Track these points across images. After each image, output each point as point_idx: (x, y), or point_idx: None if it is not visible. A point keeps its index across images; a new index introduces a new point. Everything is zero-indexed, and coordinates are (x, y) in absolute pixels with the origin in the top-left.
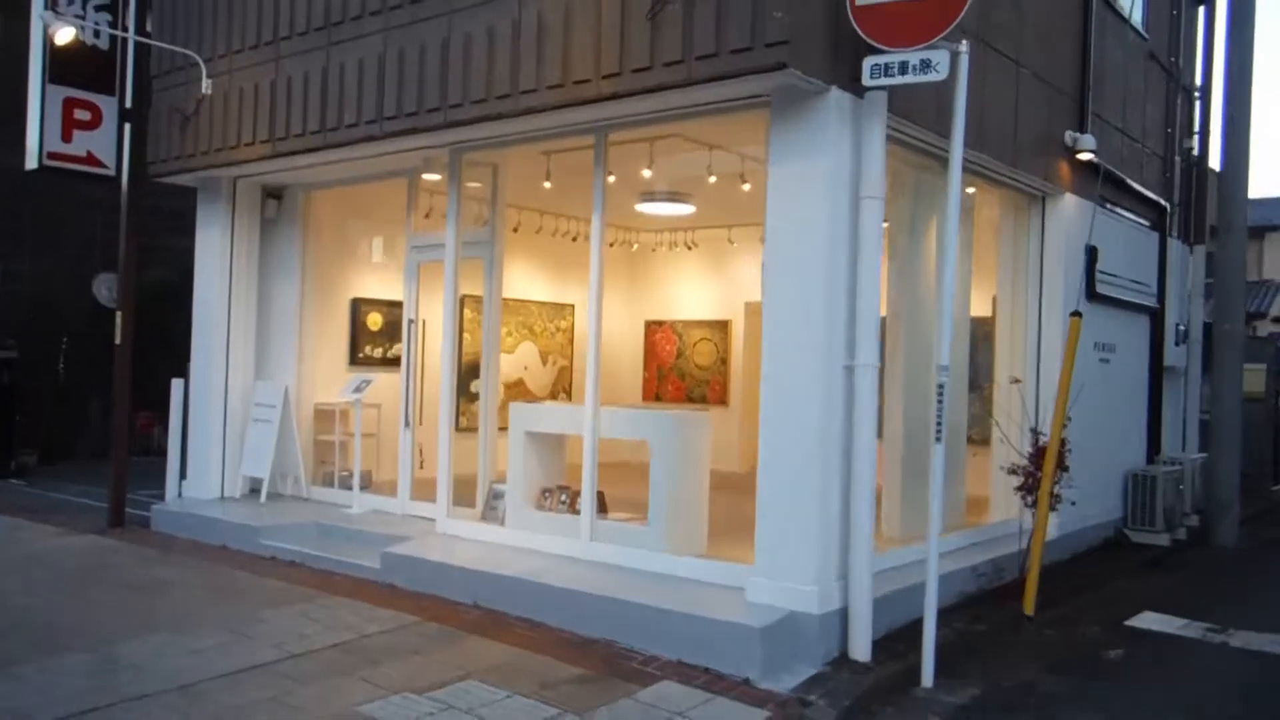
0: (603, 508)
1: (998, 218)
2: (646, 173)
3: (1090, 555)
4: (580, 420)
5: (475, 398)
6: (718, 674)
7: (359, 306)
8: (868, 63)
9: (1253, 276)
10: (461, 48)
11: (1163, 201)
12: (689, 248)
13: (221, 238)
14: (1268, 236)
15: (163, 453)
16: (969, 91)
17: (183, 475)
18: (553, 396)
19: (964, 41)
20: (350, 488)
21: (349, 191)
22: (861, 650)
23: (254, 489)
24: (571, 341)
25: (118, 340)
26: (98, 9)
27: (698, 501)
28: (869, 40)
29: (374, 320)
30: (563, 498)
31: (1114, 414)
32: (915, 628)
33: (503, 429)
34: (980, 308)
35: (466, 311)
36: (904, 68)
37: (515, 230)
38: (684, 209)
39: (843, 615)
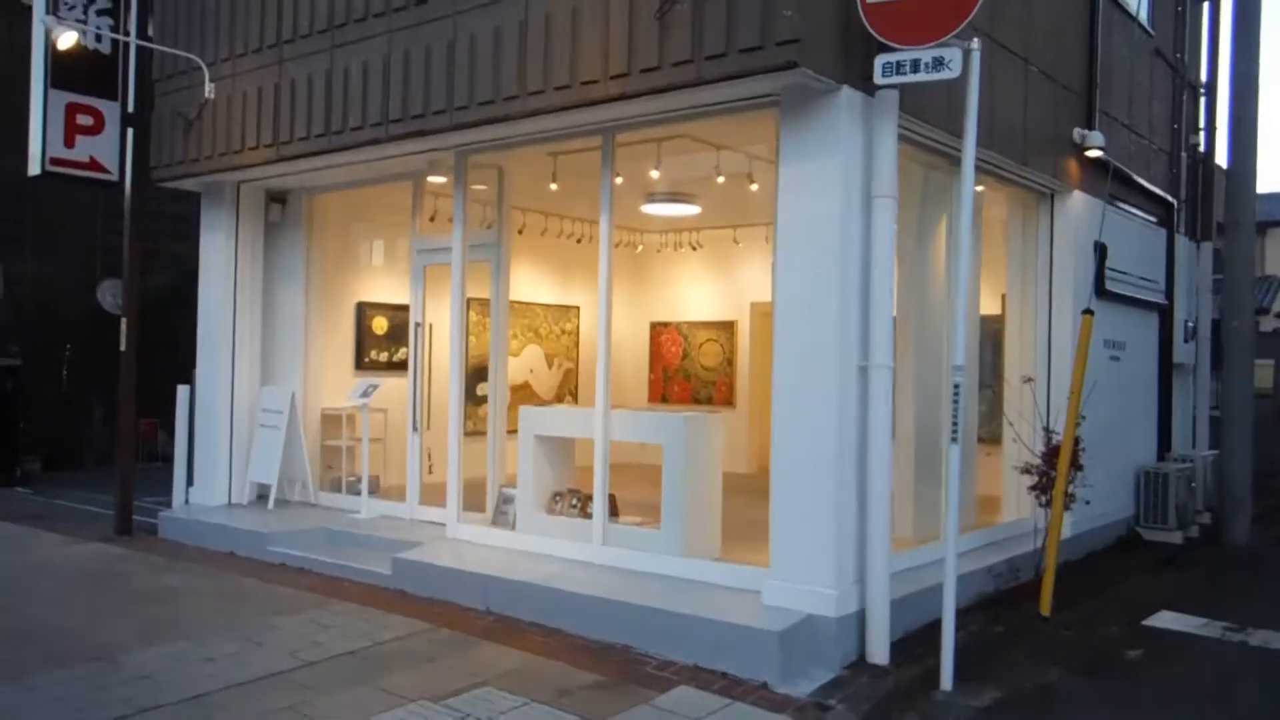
0: (614, 511)
1: (1005, 216)
2: (654, 173)
3: (1104, 554)
4: (591, 423)
5: (481, 401)
6: (735, 678)
7: (364, 310)
8: (879, 61)
9: (1255, 272)
10: (467, 49)
11: (1170, 198)
12: (694, 249)
13: (226, 243)
14: (1269, 232)
15: (166, 459)
16: (979, 89)
17: (189, 482)
18: (558, 399)
19: (975, 39)
20: (358, 493)
21: (353, 195)
22: (880, 653)
23: (261, 495)
24: (577, 344)
25: (123, 347)
26: (99, 13)
27: (711, 504)
28: (880, 38)
29: (379, 324)
30: (574, 502)
31: (1125, 411)
32: (932, 630)
33: (511, 432)
34: (987, 306)
35: (471, 314)
36: (916, 65)
37: (520, 232)
38: (689, 209)
39: (860, 618)
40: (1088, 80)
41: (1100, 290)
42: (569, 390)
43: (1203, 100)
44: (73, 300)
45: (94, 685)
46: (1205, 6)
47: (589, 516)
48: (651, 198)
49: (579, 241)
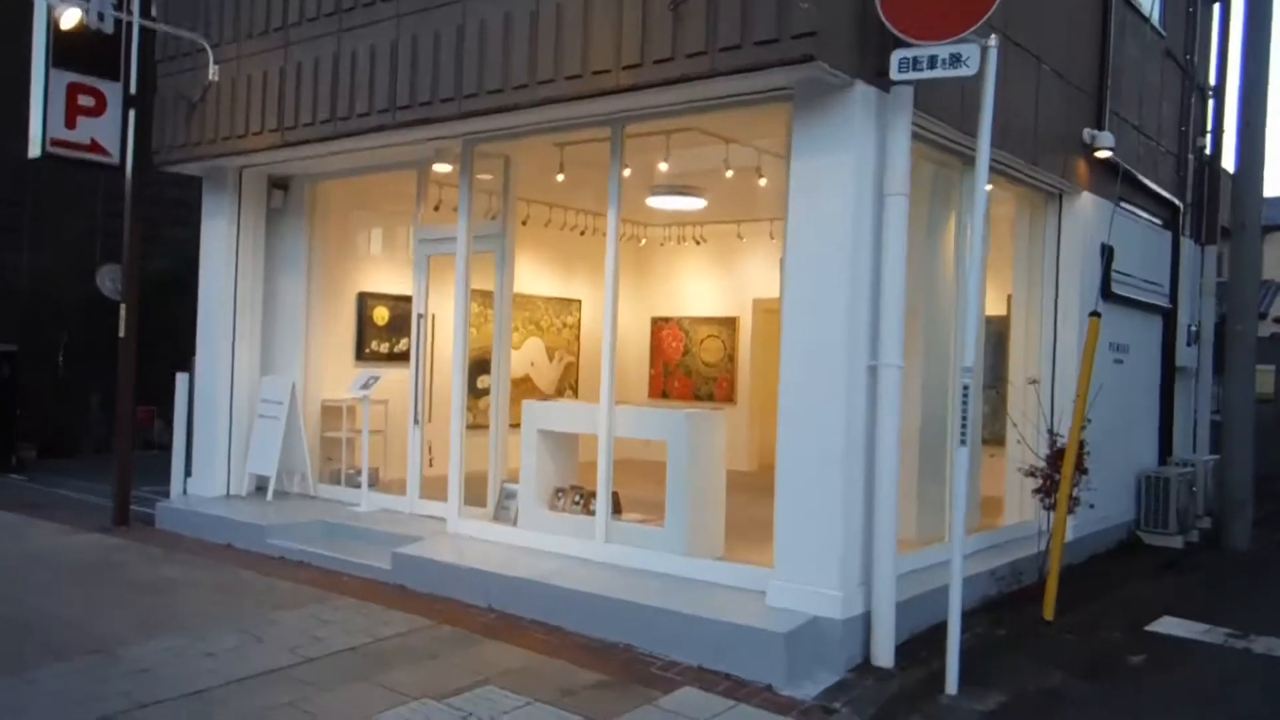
0: (617, 508)
1: (1013, 216)
2: (662, 166)
3: (1105, 557)
4: (595, 419)
5: (482, 394)
6: (739, 680)
7: (365, 300)
8: (895, 56)
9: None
10: (477, 36)
11: (1176, 200)
12: (697, 243)
13: (227, 229)
14: (1268, 237)
15: (163, 447)
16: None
17: (187, 472)
18: (559, 393)
19: (993, 36)
20: (358, 486)
21: (356, 182)
22: (884, 656)
23: (260, 486)
24: (578, 337)
25: (122, 333)
26: None
27: (715, 503)
28: (897, 33)
29: (380, 314)
30: (576, 498)
31: (1128, 415)
32: (936, 632)
33: (513, 426)
34: (992, 306)
35: (474, 306)
36: (933, 62)
37: (524, 223)
38: (695, 203)
39: (865, 620)
40: (1099, 80)
41: (1107, 293)
42: (569, 384)
43: (1211, 103)
44: (70, 286)
45: (93, 679)
46: (1216, 8)
47: (591, 513)
48: (656, 190)
49: (582, 234)
